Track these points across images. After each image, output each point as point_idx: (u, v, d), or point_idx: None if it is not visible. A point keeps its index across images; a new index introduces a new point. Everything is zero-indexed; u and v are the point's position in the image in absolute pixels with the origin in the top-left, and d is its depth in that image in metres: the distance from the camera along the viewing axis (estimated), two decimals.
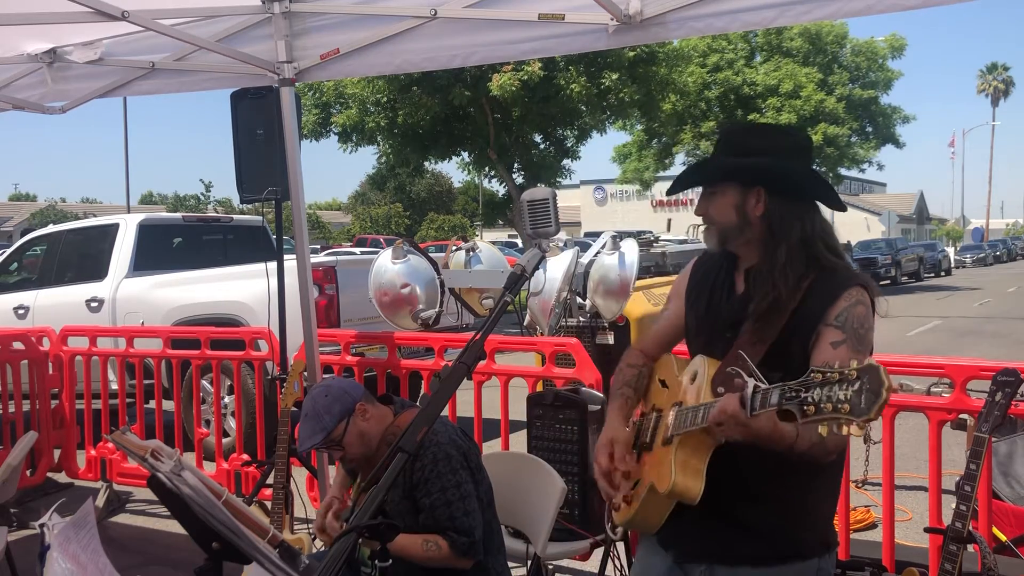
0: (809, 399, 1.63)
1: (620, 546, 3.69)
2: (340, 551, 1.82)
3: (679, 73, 23.57)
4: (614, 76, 20.35)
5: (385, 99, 21.38)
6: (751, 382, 1.77)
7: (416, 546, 2.76)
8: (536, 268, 2.08)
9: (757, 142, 2.15)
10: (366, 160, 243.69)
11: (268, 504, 4.31)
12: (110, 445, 5.93)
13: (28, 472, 6.05)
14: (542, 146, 23.71)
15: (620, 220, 55.58)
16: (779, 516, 2.06)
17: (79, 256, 8.90)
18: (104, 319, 7.96)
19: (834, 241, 2.13)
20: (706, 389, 1.99)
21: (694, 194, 2.28)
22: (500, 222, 29.82)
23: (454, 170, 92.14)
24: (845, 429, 1.59)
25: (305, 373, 4.47)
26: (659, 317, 2.43)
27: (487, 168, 24.97)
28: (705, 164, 2.23)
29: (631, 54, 20.66)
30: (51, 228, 10.29)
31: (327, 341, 5.40)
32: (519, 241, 31.54)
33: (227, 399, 7.14)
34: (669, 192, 2.51)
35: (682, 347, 2.32)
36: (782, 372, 1.95)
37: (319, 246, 28.74)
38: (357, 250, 25.23)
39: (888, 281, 34.74)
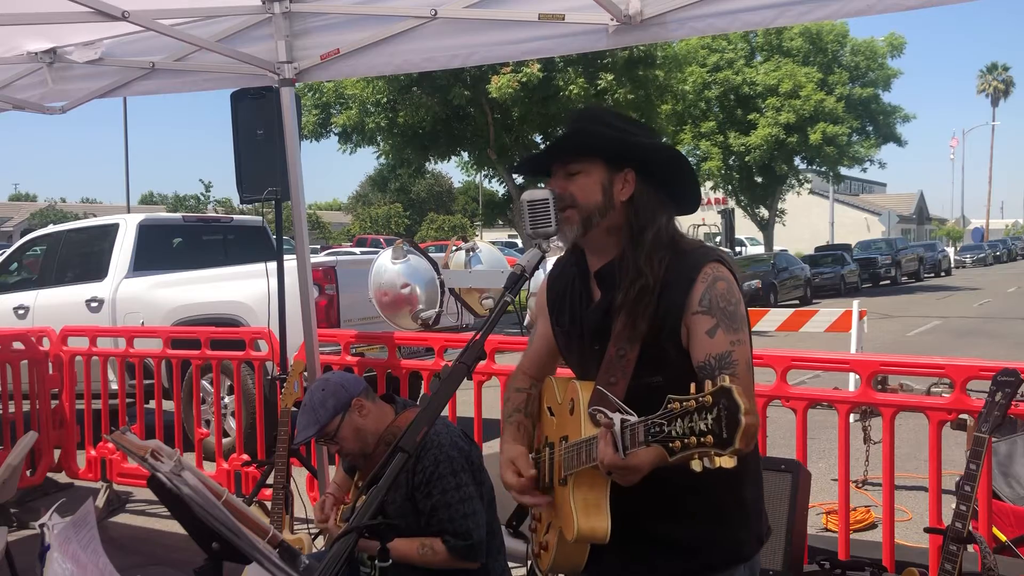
0: (673, 433, 1.52)
1: None
2: (340, 551, 1.82)
3: (677, 79, 23.56)
4: (610, 77, 20.37)
5: (385, 99, 21.39)
6: (617, 419, 1.66)
7: (412, 551, 2.76)
8: (536, 268, 2.07)
9: (620, 123, 2.02)
10: (366, 160, 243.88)
11: (268, 504, 4.31)
12: (110, 445, 5.93)
13: (28, 472, 6.04)
14: (542, 146, 23.69)
15: None
16: (712, 526, 1.96)
17: (79, 256, 8.90)
18: (104, 319, 7.97)
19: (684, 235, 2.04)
20: (585, 420, 1.88)
21: None
22: (500, 222, 29.83)
23: (454, 170, 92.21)
24: (718, 462, 1.47)
25: (305, 373, 4.47)
26: (531, 336, 2.33)
27: (487, 168, 24.99)
28: (574, 135, 2.01)
29: (624, 53, 20.65)
30: (51, 228, 10.29)
31: (327, 341, 5.40)
32: (519, 241, 31.56)
33: (227, 399, 7.14)
34: (518, 170, 2.29)
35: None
36: (662, 376, 1.89)
37: (319, 246, 28.78)
38: (357, 250, 25.26)
39: (888, 281, 34.76)
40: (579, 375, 2.09)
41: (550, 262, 2.24)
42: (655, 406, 1.61)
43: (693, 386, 1.56)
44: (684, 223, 2.17)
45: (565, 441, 1.96)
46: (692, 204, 2.07)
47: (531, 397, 2.22)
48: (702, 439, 1.47)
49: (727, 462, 1.46)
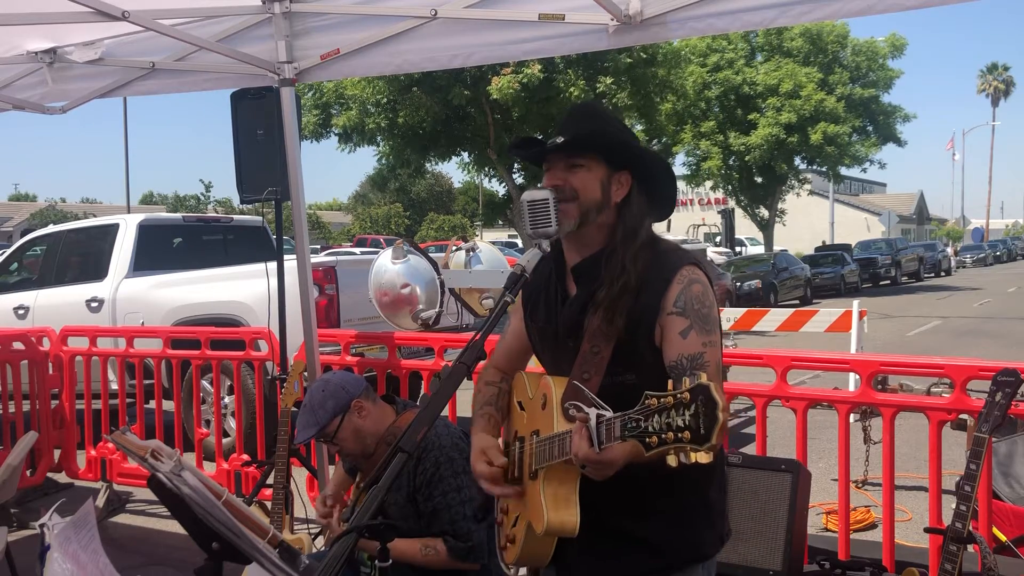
0: (650, 428, 1.54)
1: None
2: (340, 551, 1.82)
3: (678, 76, 23.57)
4: (609, 81, 20.38)
5: (385, 100, 21.39)
6: (592, 413, 1.68)
7: (415, 551, 2.76)
8: (536, 268, 2.08)
9: (616, 127, 2.10)
10: (366, 160, 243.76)
11: (268, 504, 4.31)
12: (110, 445, 5.93)
13: (28, 472, 6.04)
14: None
15: None
16: (678, 523, 1.99)
17: (79, 256, 8.90)
18: (104, 319, 7.96)
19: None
20: (558, 415, 1.91)
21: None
22: (500, 222, 29.83)
23: (454, 170, 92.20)
24: (694, 457, 1.49)
25: (305, 373, 4.47)
26: (504, 331, 2.34)
27: (487, 168, 25.00)
28: (587, 132, 2.04)
29: (628, 60, 20.70)
30: (51, 228, 10.29)
31: (327, 341, 5.40)
32: (519, 241, 31.55)
33: (227, 399, 7.13)
34: (514, 150, 2.23)
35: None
36: (634, 374, 1.93)
37: (319, 246, 28.76)
38: (357, 250, 25.25)
39: (888, 281, 34.76)
40: (551, 372, 2.11)
41: None
42: (626, 405, 1.64)
43: (670, 383, 1.58)
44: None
45: (536, 436, 1.98)
46: (668, 211, 2.13)
47: (501, 392, 2.24)
48: (679, 435, 1.49)
49: (703, 458, 1.49)
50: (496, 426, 2.19)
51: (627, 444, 1.63)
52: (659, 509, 1.98)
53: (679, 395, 1.51)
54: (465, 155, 24.52)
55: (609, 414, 1.67)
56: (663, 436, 1.52)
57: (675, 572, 1.99)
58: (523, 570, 2.19)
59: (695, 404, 1.49)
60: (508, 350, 2.30)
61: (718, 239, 34.25)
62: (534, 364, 2.28)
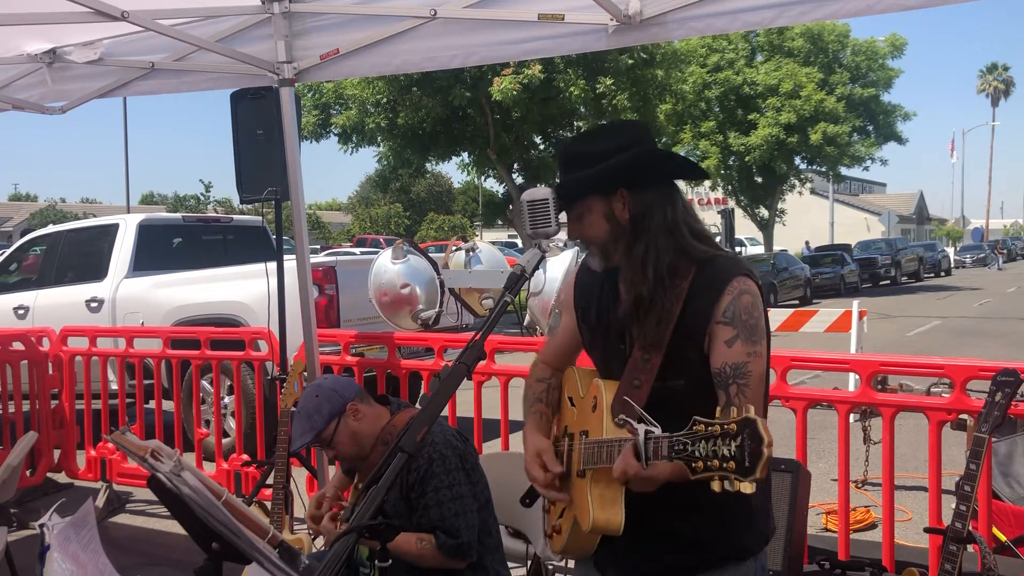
0: (696, 453, 1.61)
1: None
2: (340, 551, 1.82)
3: (677, 79, 23.56)
4: (608, 81, 20.38)
5: (385, 100, 21.38)
6: (641, 429, 1.75)
7: (411, 544, 2.77)
8: (536, 268, 2.07)
9: (599, 147, 2.07)
10: (366, 161, 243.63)
11: (268, 504, 4.31)
12: (110, 445, 5.93)
13: (28, 472, 6.04)
14: (541, 147, 23.71)
15: None
16: (719, 523, 2.01)
17: (79, 256, 8.90)
18: (104, 319, 7.97)
19: (699, 224, 2.07)
20: (607, 420, 1.96)
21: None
22: (500, 222, 29.84)
23: (454, 170, 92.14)
24: (738, 486, 1.56)
25: (305, 373, 4.47)
26: (554, 329, 2.38)
27: (487, 168, 25.00)
28: (560, 192, 2.07)
29: (629, 61, 20.70)
30: (51, 228, 10.30)
31: (327, 341, 5.40)
32: (519, 241, 31.56)
33: (227, 399, 7.14)
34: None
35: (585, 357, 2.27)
36: (684, 379, 1.96)
37: (319, 246, 28.78)
38: (357, 250, 25.27)
39: (888, 281, 34.76)
40: (602, 371, 2.14)
41: (550, 262, 2.25)
42: (674, 409, 1.74)
43: (719, 410, 1.65)
44: None
45: (585, 436, 2.03)
46: (690, 172, 2.14)
47: (551, 387, 2.28)
48: (725, 464, 1.56)
49: (747, 488, 1.55)
50: (548, 423, 2.23)
51: (672, 464, 1.70)
52: (702, 506, 1.98)
53: (726, 425, 1.58)
54: (465, 155, 24.51)
55: (657, 431, 1.73)
56: (709, 463, 1.59)
57: (717, 568, 2.01)
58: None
59: (741, 437, 1.55)
60: (558, 347, 2.33)
61: (718, 239, 34.15)
62: None
